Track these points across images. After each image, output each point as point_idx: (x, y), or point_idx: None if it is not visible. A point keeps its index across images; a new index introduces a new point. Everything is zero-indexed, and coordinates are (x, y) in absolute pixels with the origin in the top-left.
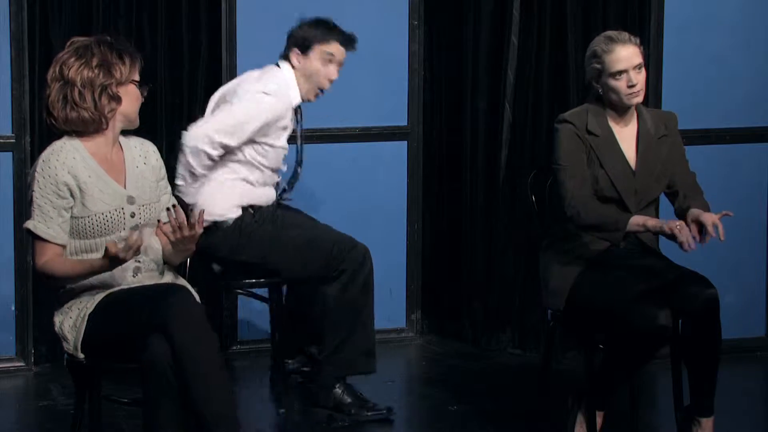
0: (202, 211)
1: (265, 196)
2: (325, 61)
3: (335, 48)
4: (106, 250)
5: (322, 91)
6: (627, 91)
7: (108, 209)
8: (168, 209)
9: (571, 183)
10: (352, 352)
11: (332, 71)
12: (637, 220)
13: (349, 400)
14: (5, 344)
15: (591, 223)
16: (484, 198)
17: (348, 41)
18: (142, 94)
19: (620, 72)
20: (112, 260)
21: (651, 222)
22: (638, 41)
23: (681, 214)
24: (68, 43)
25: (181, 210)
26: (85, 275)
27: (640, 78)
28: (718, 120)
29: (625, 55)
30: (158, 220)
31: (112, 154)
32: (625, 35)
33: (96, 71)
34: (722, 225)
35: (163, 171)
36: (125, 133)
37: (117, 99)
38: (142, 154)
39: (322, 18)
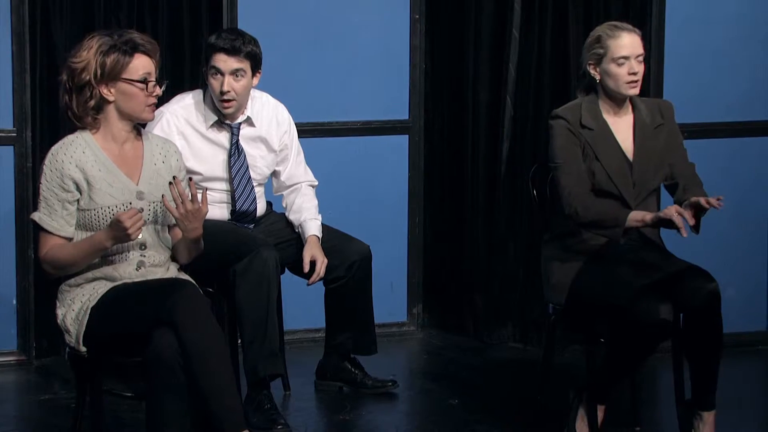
0: (204, 190)
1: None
2: (213, 75)
3: (217, 59)
4: (115, 220)
5: (227, 101)
6: (627, 79)
7: (115, 203)
8: (170, 182)
9: (567, 180)
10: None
11: (220, 82)
12: (636, 216)
13: (356, 371)
14: (7, 338)
15: (590, 220)
16: (485, 192)
17: (229, 50)
18: (150, 91)
19: (623, 58)
20: (115, 230)
21: (649, 216)
22: (641, 34)
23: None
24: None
25: (181, 183)
26: (86, 255)
27: (640, 69)
28: (719, 114)
29: (630, 42)
30: (162, 195)
31: (127, 150)
32: (629, 25)
33: (77, 67)
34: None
35: (183, 173)
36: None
37: (94, 98)
38: (163, 152)
39: (221, 30)
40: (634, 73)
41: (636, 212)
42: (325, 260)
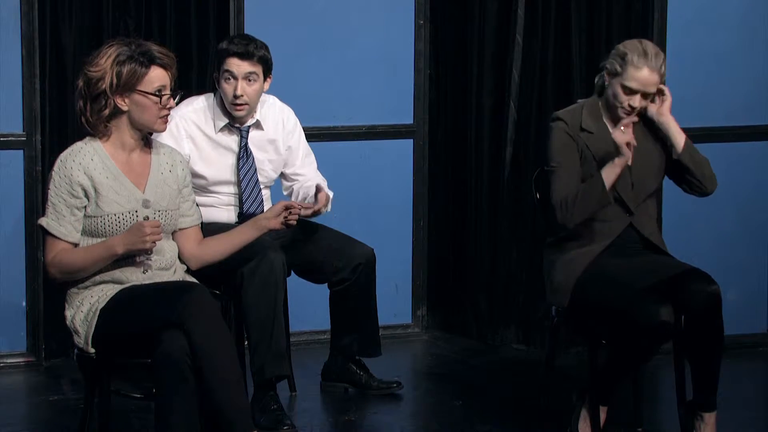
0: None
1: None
2: (226, 79)
3: (231, 63)
4: (138, 224)
5: (239, 105)
6: (624, 108)
7: (121, 211)
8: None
9: (559, 186)
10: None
11: (235, 86)
12: (607, 172)
13: (361, 373)
14: (16, 339)
15: (575, 212)
16: (488, 195)
17: (243, 54)
18: (164, 103)
19: (631, 90)
20: (133, 234)
21: (617, 159)
22: (664, 69)
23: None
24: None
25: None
26: (97, 259)
27: (642, 104)
28: (721, 118)
29: (645, 79)
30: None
31: (135, 158)
32: (660, 59)
33: (93, 76)
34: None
35: (188, 180)
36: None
37: (109, 107)
38: (170, 162)
39: (233, 35)
40: (632, 107)
41: (604, 169)
42: (330, 195)
